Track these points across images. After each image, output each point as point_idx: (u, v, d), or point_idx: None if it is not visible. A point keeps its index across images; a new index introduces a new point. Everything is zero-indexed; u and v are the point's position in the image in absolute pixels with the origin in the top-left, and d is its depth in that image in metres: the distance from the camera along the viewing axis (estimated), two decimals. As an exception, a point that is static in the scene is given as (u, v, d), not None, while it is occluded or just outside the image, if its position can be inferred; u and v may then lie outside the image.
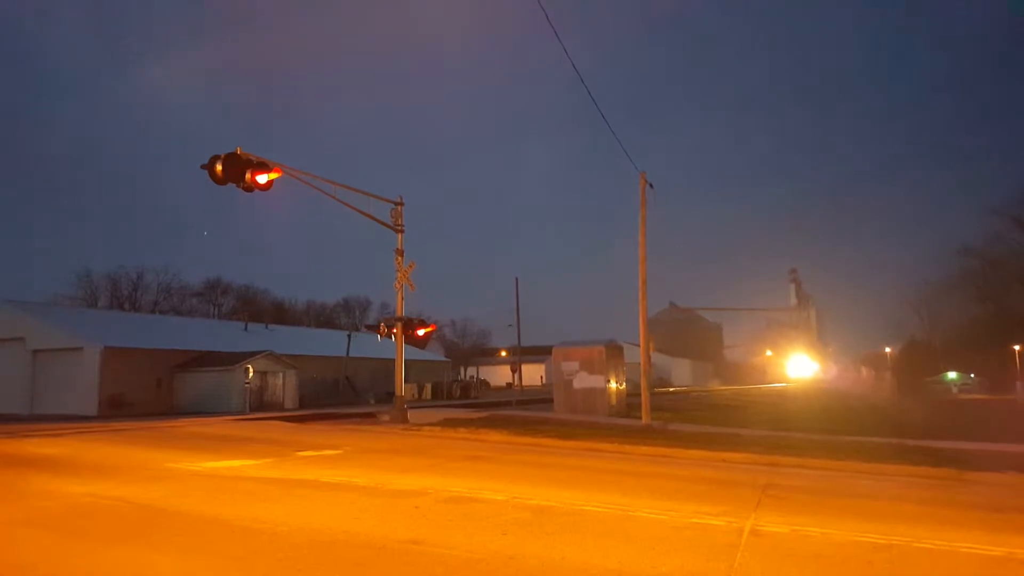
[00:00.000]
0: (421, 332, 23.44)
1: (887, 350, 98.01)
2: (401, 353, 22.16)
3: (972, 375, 71.00)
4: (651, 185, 22.49)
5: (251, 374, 31.65)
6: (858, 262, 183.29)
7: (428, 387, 48.23)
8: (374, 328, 24.43)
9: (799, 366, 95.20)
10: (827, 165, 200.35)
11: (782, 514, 7.70)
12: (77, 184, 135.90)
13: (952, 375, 72.21)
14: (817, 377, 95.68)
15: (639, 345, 23.22)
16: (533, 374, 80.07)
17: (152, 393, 33.62)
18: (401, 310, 22.16)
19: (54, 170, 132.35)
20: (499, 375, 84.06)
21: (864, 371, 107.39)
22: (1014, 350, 62.84)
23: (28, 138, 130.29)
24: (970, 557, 6.12)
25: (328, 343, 48.78)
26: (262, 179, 16.85)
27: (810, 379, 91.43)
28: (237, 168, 16.47)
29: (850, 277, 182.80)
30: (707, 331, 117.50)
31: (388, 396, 29.55)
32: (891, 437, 17.42)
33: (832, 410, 32.48)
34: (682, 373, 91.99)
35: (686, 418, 24.92)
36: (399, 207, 22.05)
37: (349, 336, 47.03)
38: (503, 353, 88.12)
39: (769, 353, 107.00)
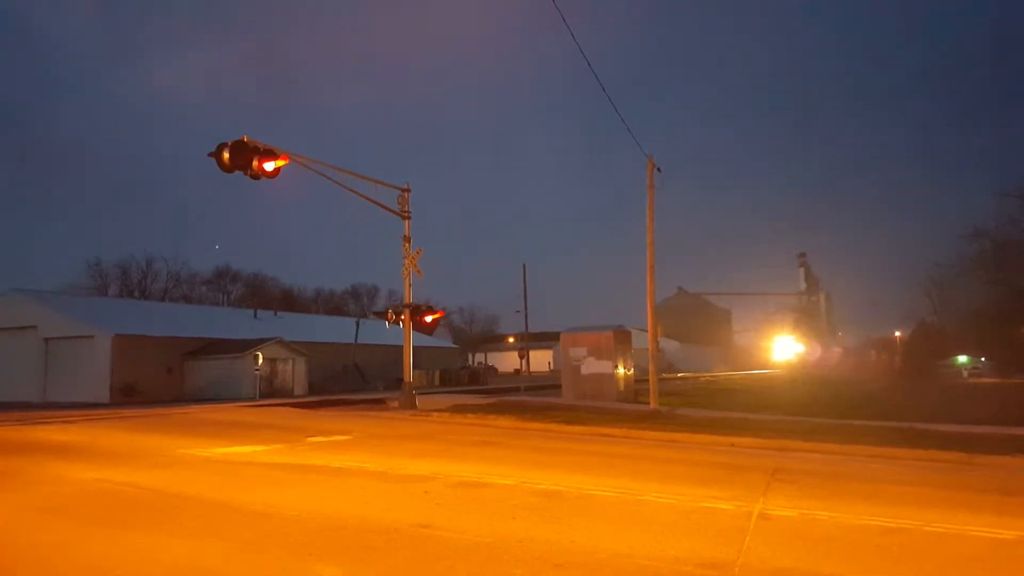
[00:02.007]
0: (429, 319, 23.49)
1: (897, 334, 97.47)
2: (409, 339, 22.20)
3: (983, 359, 70.60)
4: (659, 169, 22.36)
5: (261, 361, 31.82)
6: (868, 246, 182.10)
7: (436, 373, 48.40)
8: (382, 315, 24.46)
9: (784, 349, 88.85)
10: (836, 148, 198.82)
11: (791, 498, 7.70)
12: (86, 174, 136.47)
13: (963, 359, 71.83)
14: (803, 360, 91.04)
15: (647, 330, 23.19)
16: (541, 360, 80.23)
17: (163, 380, 33.88)
18: (409, 297, 22.19)
19: (63, 160, 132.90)
20: (507, 361, 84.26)
21: (845, 352, 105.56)
22: (1026, 333, 62.29)
23: (37, 129, 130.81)
24: (980, 540, 6.10)
25: (337, 330, 48.97)
26: (269, 166, 16.80)
27: (796, 362, 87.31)
28: (244, 156, 16.43)
29: (860, 261, 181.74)
30: (716, 316, 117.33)
31: (397, 382, 29.64)
32: (900, 421, 17.36)
33: (841, 395, 32.42)
34: (690, 358, 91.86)
35: (694, 403, 24.93)
36: (406, 194, 22.01)
37: (357, 323, 47.16)
38: (511, 339, 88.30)
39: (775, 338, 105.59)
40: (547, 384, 40.04)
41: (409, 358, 22.23)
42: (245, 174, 16.63)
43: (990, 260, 49.67)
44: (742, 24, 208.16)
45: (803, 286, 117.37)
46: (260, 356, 31.95)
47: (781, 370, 75.49)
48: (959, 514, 7.09)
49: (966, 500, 8.26)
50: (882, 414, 19.93)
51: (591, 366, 26.44)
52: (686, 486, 8.34)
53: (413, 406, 21.10)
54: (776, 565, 5.12)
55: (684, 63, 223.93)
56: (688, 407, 22.70)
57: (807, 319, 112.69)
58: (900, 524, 6.46)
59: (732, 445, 13.41)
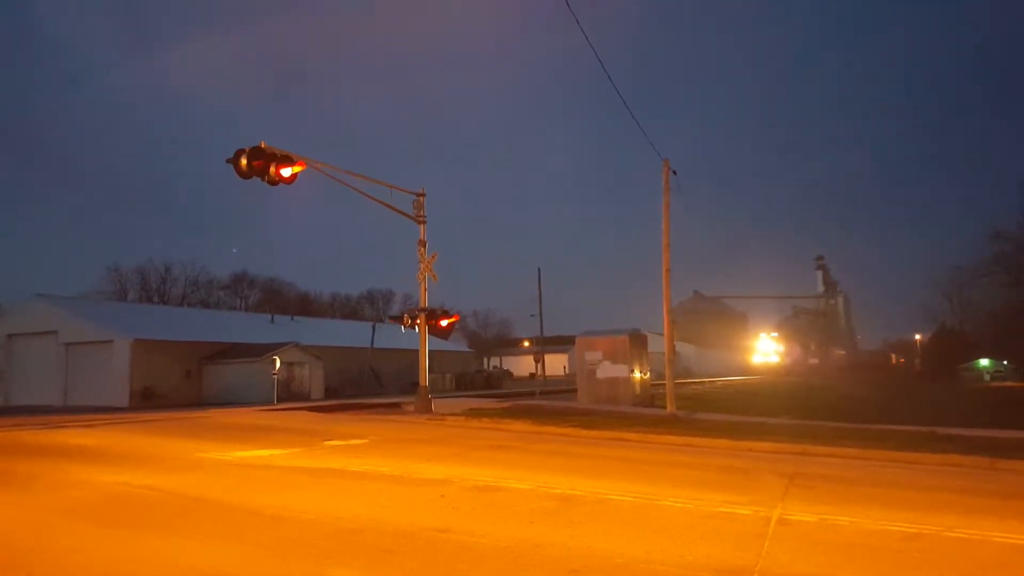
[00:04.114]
0: (444, 323, 23.50)
1: (917, 337, 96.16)
2: (425, 343, 22.25)
3: (1005, 362, 69.53)
4: (674, 172, 22.28)
5: (278, 365, 32.00)
6: (887, 248, 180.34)
7: (451, 377, 48.48)
8: (398, 319, 24.54)
9: (766, 350, 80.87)
10: (854, 150, 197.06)
11: (810, 503, 7.63)
12: (105, 180, 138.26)
13: (984, 362, 70.83)
14: (783, 362, 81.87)
15: (663, 334, 23.09)
16: (556, 364, 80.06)
17: (182, 384, 34.22)
18: (424, 301, 22.24)
19: (83, 166, 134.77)
20: (522, 365, 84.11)
21: (851, 355, 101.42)
22: (1049, 337, 61.16)
23: (57, 135, 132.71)
24: (1004, 547, 6.01)
25: (353, 334, 49.23)
26: (286, 172, 16.93)
27: (777, 365, 77.71)
28: (261, 162, 16.57)
29: (879, 264, 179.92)
30: (732, 320, 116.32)
31: (412, 386, 29.71)
32: (920, 425, 17.15)
33: (860, 398, 32.08)
34: (707, 362, 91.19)
35: (711, 407, 24.77)
36: (421, 198, 22.08)
37: (373, 327, 47.39)
38: (526, 343, 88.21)
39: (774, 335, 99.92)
40: (562, 388, 39.98)
41: (425, 362, 22.28)
42: (262, 180, 16.77)
43: (1012, 262, 48.96)
44: (759, 28, 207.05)
45: (821, 289, 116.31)
46: (277, 360, 32.14)
47: (762, 376, 66.80)
48: (982, 520, 6.99)
49: (989, 506, 8.14)
50: (902, 418, 19.69)
51: (607, 370, 26.37)
52: (704, 491, 8.28)
53: (429, 410, 21.13)
54: (795, 571, 5.07)
55: (699, 67, 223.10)
56: (705, 411, 22.56)
57: (825, 322, 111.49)
58: (921, 530, 6.38)
59: (750, 450, 13.30)
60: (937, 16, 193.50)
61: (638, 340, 27.55)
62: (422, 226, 21.97)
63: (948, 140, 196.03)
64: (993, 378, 66.69)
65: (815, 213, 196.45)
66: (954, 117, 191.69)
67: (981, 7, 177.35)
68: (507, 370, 77.84)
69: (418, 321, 22.03)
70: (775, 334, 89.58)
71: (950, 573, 5.25)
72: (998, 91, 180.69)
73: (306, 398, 34.60)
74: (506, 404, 25.12)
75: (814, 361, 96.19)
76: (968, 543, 6.07)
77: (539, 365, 48.43)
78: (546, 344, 54.66)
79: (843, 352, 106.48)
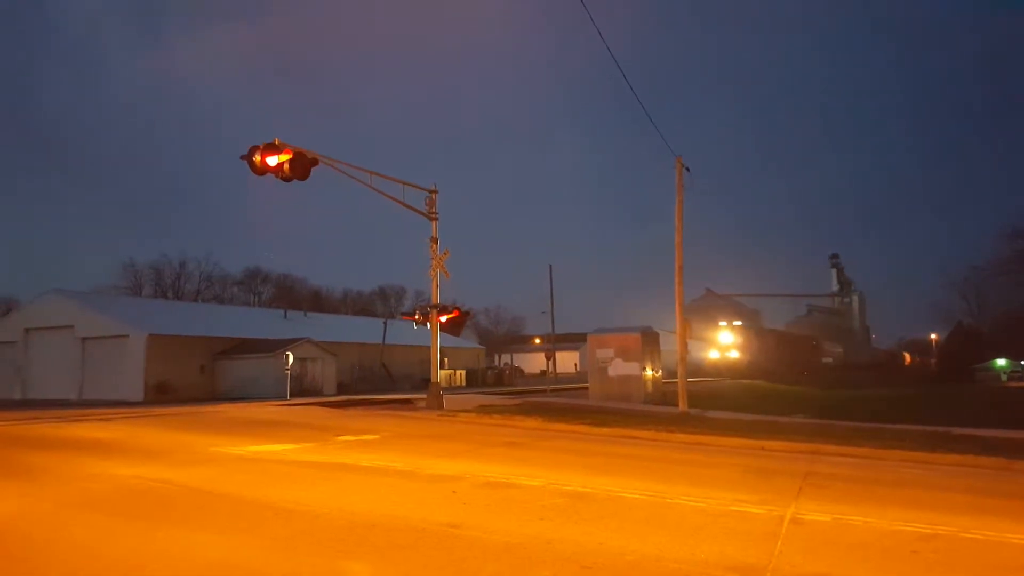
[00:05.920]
0: (456, 319, 23.55)
1: (933, 337, 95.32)
2: (436, 340, 22.29)
3: (1023, 362, 68.80)
4: (687, 169, 22.19)
5: (291, 361, 32.15)
6: (903, 247, 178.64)
7: (463, 374, 48.55)
8: (410, 316, 24.58)
9: (726, 343, 73.73)
10: (870, 148, 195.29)
11: (823, 502, 7.57)
12: (121, 176, 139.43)
13: (1001, 362, 70.14)
14: (745, 358, 74.28)
15: (675, 332, 23.01)
16: (567, 361, 79.96)
17: (195, 379, 34.47)
18: (436, 297, 22.27)
19: (100, 163, 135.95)
20: (533, 362, 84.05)
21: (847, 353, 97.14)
22: (1067, 337, 60.39)
23: (69, 131, 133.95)
24: (1021, 548, 5.94)
25: (365, 331, 49.39)
26: (299, 169, 17.01)
27: (737, 361, 70.65)
28: (275, 158, 16.64)
29: (895, 263, 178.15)
30: (745, 318, 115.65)
31: (424, 383, 29.78)
32: (936, 425, 17.01)
33: (873, 398, 31.85)
34: (719, 361, 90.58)
35: (723, 405, 24.67)
36: (433, 195, 22.10)
37: (385, 324, 47.50)
38: (537, 340, 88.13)
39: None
40: (574, 386, 39.93)
41: (436, 359, 22.31)
42: (276, 176, 16.85)
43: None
44: (775, 23, 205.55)
45: (835, 287, 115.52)
46: (290, 356, 32.25)
47: (713, 378, 58.39)
48: (998, 521, 6.91)
49: (1006, 507, 8.06)
50: (917, 418, 19.53)
51: (618, 368, 26.32)
52: (716, 489, 8.24)
53: (440, 406, 21.17)
54: (808, 570, 5.04)
55: (713, 64, 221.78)
56: (717, 409, 22.47)
57: (839, 321, 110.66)
58: (936, 530, 6.32)
59: (763, 448, 13.23)
60: (949, 14, 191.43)
61: (650, 338, 27.47)
62: (434, 223, 21.99)
63: (965, 138, 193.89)
64: (1010, 378, 66.01)
65: (831, 211, 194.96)
66: (971, 115, 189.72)
67: (994, 11, 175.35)
68: (518, 367, 77.74)
69: (429, 318, 22.06)
70: (738, 323, 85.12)
71: (966, 574, 5.20)
72: (1014, 87, 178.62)
73: (318, 394, 34.75)
74: (517, 401, 25.12)
75: (827, 360, 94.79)
76: (984, 544, 6.01)
77: (550, 362, 48.37)
78: (557, 341, 54.66)
79: (841, 350, 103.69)
